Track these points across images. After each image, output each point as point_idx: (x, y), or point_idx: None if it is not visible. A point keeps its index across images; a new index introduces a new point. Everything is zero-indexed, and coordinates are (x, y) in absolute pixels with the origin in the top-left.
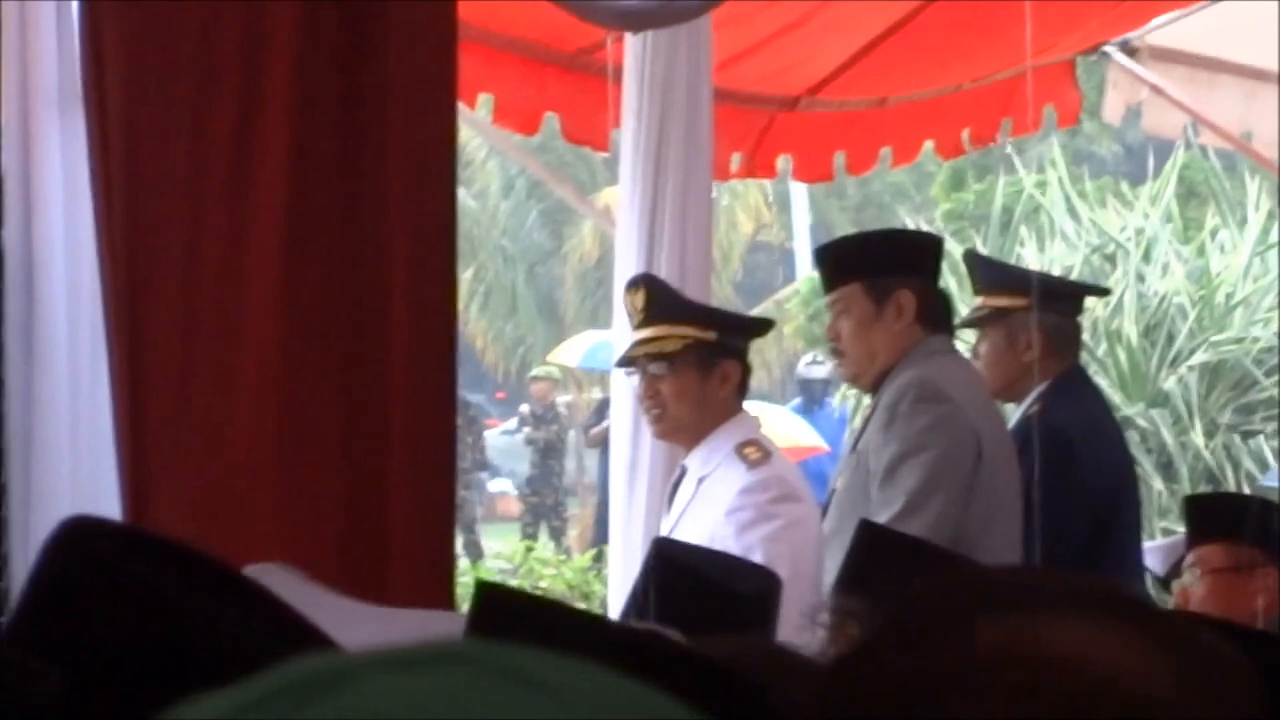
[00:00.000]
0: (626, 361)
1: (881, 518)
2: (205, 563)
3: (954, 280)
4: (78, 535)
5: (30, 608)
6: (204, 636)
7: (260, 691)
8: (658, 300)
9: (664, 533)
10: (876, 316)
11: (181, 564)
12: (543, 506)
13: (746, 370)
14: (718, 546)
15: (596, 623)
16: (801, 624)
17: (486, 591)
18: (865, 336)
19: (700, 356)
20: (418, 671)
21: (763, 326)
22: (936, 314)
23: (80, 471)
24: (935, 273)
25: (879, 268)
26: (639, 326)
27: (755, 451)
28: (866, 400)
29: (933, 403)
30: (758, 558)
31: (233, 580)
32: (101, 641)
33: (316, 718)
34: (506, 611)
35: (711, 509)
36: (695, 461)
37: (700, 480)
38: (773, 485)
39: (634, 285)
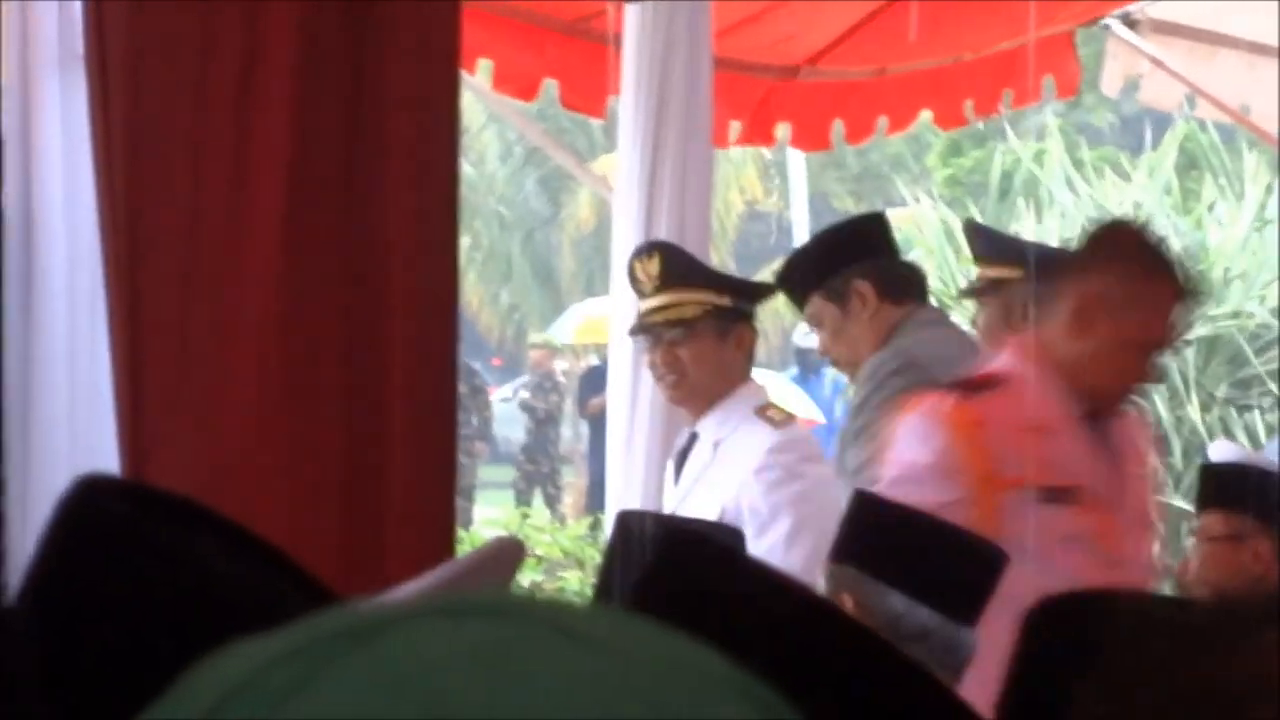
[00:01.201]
0: (641, 329)
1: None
2: (218, 521)
3: (951, 251)
4: (90, 494)
5: (42, 568)
6: (221, 593)
7: (304, 638)
8: (673, 266)
9: (674, 500)
10: (845, 315)
11: (194, 522)
12: (538, 474)
13: (755, 335)
14: (743, 506)
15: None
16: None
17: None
18: (843, 337)
19: (717, 322)
20: (460, 621)
21: (770, 290)
22: (903, 287)
23: (78, 432)
24: (888, 249)
25: (827, 270)
26: (652, 293)
27: (778, 413)
28: None
29: (901, 375)
30: (786, 517)
31: (246, 537)
32: (116, 600)
33: (360, 664)
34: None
35: (732, 470)
36: (709, 426)
37: (717, 444)
38: (799, 445)
39: (647, 252)
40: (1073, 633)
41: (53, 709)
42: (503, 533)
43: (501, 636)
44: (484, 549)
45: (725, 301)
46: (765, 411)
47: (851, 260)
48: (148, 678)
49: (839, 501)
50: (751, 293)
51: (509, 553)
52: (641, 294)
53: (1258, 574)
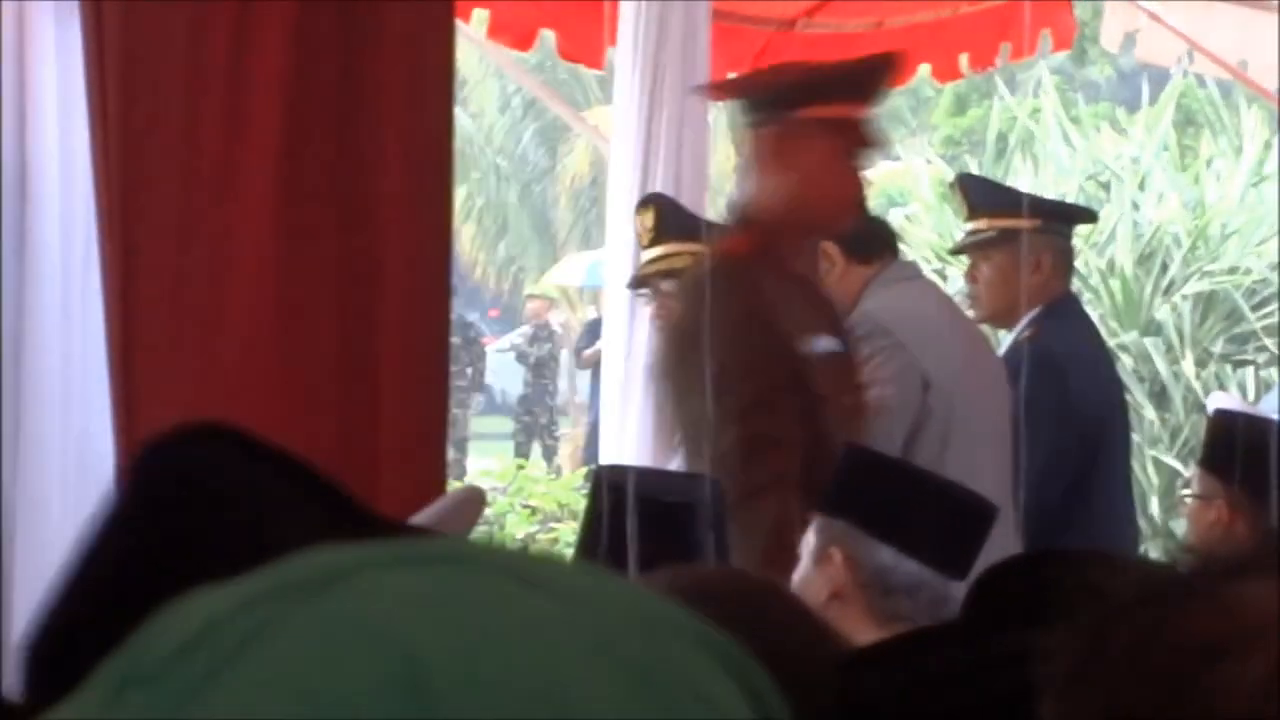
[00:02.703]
0: (639, 282)
1: None
2: (290, 461)
3: (948, 206)
4: (169, 439)
5: (119, 513)
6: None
7: (258, 587)
8: (667, 219)
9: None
10: (827, 273)
11: (266, 461)
12: (535, 425)
13: None
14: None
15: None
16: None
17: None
18: (832, 290)
19: None
20: (415, 569)
21: None
22: (869, 244)
23: (72, 377)
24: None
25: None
26: (648, 245)
27: None
28: None
29: (869, 340)
30: None
31: (318, 478)
32: (187, 543)
33: (315, 613)
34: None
35: None
36: None
37: None
38: None
39: (643, 205)
40: (1022, 593)
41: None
42: (496, 484)
43: (457, 584)
44: (444, 500)
45: None
46: None
47: None
48: None
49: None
50: None
51: (470, 504)
52: (641, 246)
53: (1221, 533)
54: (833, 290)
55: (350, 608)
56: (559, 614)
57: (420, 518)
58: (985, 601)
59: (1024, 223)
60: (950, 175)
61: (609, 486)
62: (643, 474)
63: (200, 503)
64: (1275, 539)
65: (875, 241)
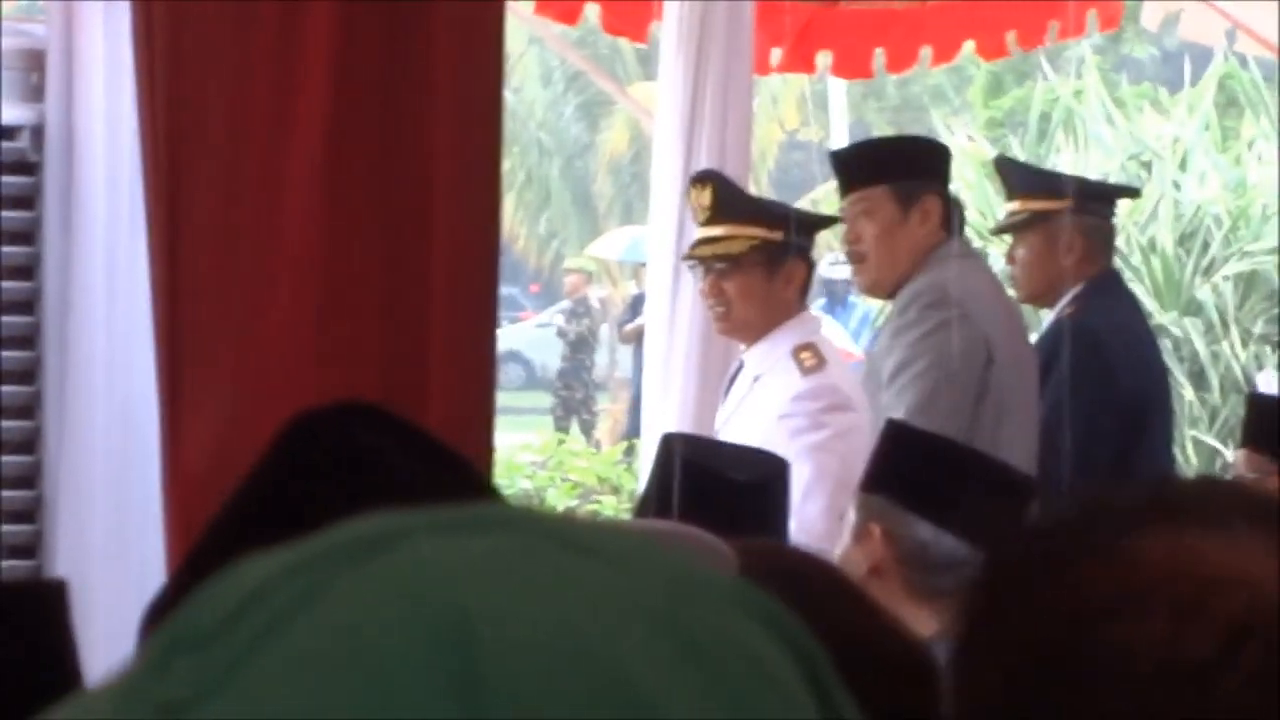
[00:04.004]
0: (690, 258)
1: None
2: (415, 431)
3: (990, 186)
4: (307, 415)
5: (257, 481)
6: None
7: (312, 552)
8: (724, 198)
9: (719, 424)
10: (902, 222)
11: (395, 431)
12: (573, 400)
13: (810, 267)
14: (770, 448)
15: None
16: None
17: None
18: (890, 242)
19: (766, 256)
20: (466, 534)
21: (826, 222)
22: (955, 220)
23: (115, 349)
24: (948, 180)
25: (905, 172)
26: (704, 223)
27: (811, 357)
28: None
29: (938, 309)
30: (806, 465)
31: (439, 448)
32: (325, 505)
33: (366, 577)
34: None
35: (764, 410)
36: (754, 358)
37: (756, 378)
38: (825, 394)
39: (700, 181)
40: None
41: None
42: (536, 458)
43: (505, 548)
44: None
45: (775, 236)
46: (800, 353)
47: (932, 174)
48: None
49: (860, 452)
50: (807, 226)
51: None
52: (698, 223)
53: None
54: (907, 243)
55: (396, 572)
56: (607, 577)
57: None
58: None
59: (1054, 204)
60: (991, 154)
61: (676, 456)
62: (714, 447)
63: (342, 473)
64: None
65: (960, 219)
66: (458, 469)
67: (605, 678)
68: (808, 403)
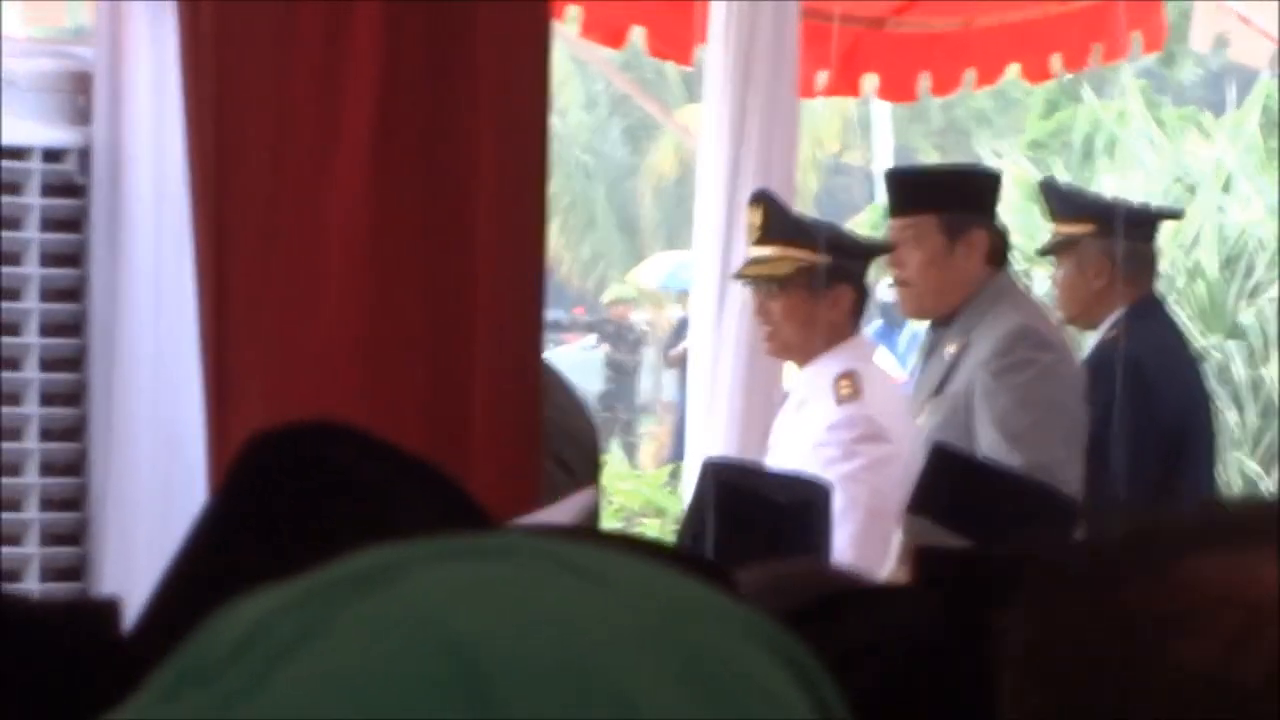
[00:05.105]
0: (740, 277)
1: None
2: (400, 454)
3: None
4: (276, 434)
5: (231, 496)
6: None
7: (309, 586)
8: (773, 219)
9: (771, 446)
10: (948, 253)
11: (376, 454)
12: (615, 423)
13: (862, 293)
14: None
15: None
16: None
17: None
18: (935, 272)
19: (812, 279)
20: (468, 562)
21: (878, 249)
22: (1001, 253)
23: (162, 371)
24: (996, 211)
25: (955, 203)
26: (755, 243)
27: (848, 386)
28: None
29: (1042, 350)
30: (837, 494)
31: (427, 471)
32: (301, 527)
33: (371, 607)
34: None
35: (805, 436)
36: (800, 382)
37: (801, 403)
38: (859, 424)
39: (753, 201)
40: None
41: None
42: None
43: (505, 574)
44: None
45: (822, 259)
46: (839, 381)
47: (981, 207)
48: None
49: (894, 481)
50: (856, 252)
51: (588, 505)
52: (749, 243)
53: None
54: (953, 276)
55: (398, 602)
56: (609, 602)
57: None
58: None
59: (1095, 228)
60: (1035, 176)
61: (717, 481)
62: (754, 471)
63: (310, 492)
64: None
65: (1001, 251)
66: (435, 484)
67: (607, 702)
68: (841, 432)
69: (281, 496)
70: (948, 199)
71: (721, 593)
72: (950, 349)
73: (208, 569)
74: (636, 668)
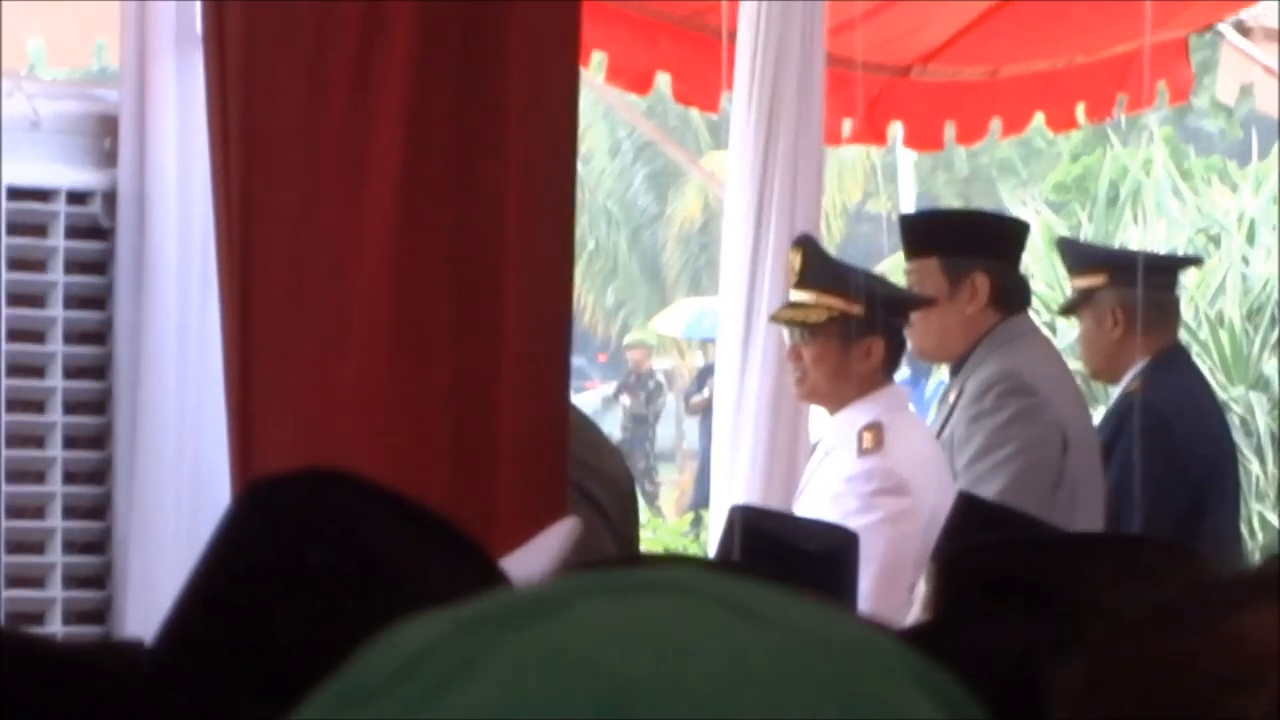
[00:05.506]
0: (776, 320)
1: None
2: (405, 504)
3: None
4: (278, 480)
5: (229, 546)
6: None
7: (474, 613)
8: (812, 264)
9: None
10: (950, 296)
11: (380, 505)
12: (635, 471)
13: (897, 345)
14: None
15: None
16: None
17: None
18: (936, 315)
19: (844, 328)
20: (630, 598)
21: (914, 302)
22: (1013, 297)
23: (186, 415)
24: (1016, 257)
25: (956, 247)
26: (794, 287)
27: (871, 438)
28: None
29: (1017, 396)
30: None
31: (428, 517)
32: (302, 577)
33: (528, 641)
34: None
35: (826, 487)
36: (829, 430)
37: (828, 452)
38: (877, 476)
39: (795, 245)
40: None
41: (238, 680)
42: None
43: (667, 613)
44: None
45: (855, 309)
46: (863, 433)
47: (987, 251)
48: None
49: (912, 535)
50: (891, 304)
51: (569, 535)
52: (789, 286)
53: None
54: (957, 323)
55: (562, 636)
56: (770, 644)
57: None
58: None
59: (1097, 280)
60: (1058, 225)
61: (745, 528)
62: (783, 518)
63: (306, 536)
64: (1269, 563)
65: (1016, 296)
66: (435, 529)
67: None
68: (860, 484)
69: (279, 540)
70: (949, 242)
71: (877, 631)
72: (953, 395)
73: (206, 614)
74: (795, 713)
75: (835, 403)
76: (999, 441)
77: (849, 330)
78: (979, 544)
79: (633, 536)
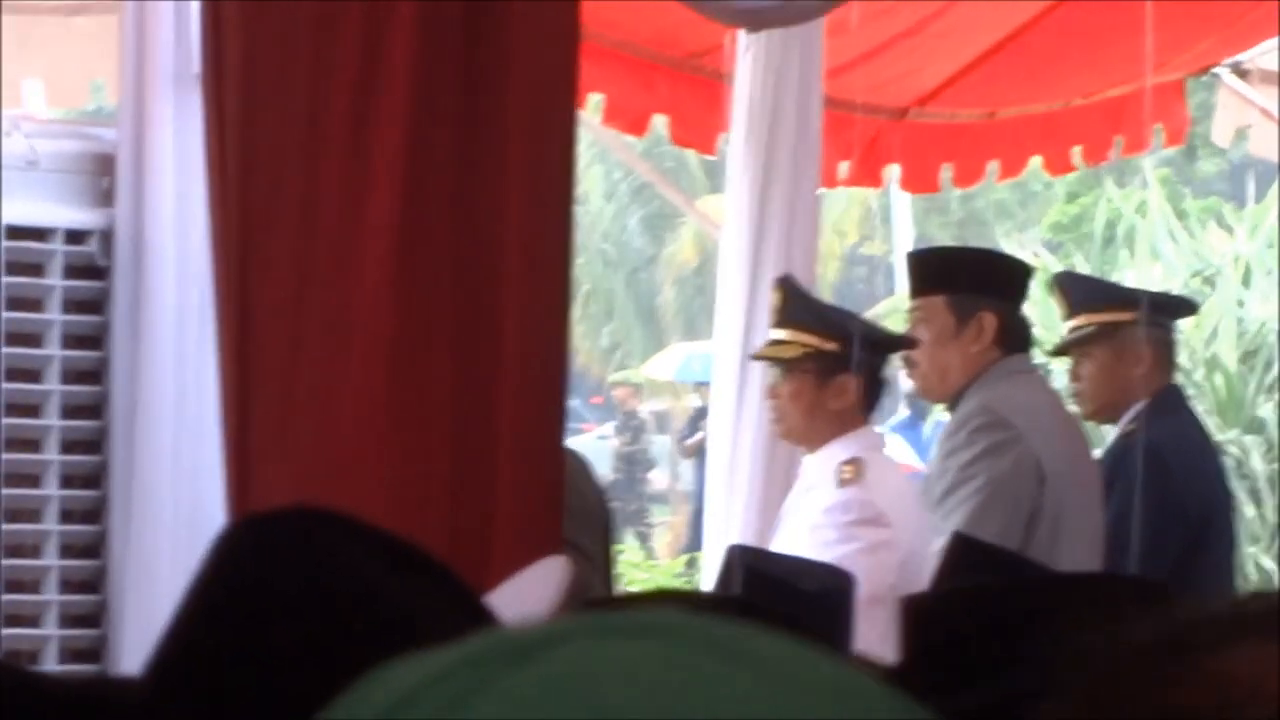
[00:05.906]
0: (756, 358)
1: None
2: (391, 541)
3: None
4: (265, 517)
5: (215, 583)
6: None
7: (467, 655)
8: (789, 303)
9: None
10: (955, 334)
11: (366, 541)
12: (626, 512)
13: (874, 384)
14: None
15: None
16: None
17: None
18: (941, 352)
19: (819, 366)
20: (622, 639)
21: (892, 343)
22: (1017, 338)
23: (183, 452)
24: (1020, 298)
25: (966, 285)
26: (773, 326)
27: (850, 471)
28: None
29: (990, 431)
30: None
31: (415, 555)
32: (290, 615)
33: (521, 681)
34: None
35: (804, 522)
36: (808, 468)
37: (808, 489)
38: (855, 507)
39: (774, 285)
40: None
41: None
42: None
43: (659, 655)
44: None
45: (831, 347)
46: (842, 467)
47: (995, 290)
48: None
49: (891, 566)
50: (868, 343)
51: (557, 573)
52: (769, 325)
53: None
54: (960, 360)
55: (554, 677)
56: (761, 691)
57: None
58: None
59: (1124, 316)
60: (1054, 267)
61: (742, 568)
62: (780, 558)
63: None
64: (1252, 601)
65: (1019, 337)
66: (421, 566)
67: None
68: (838, 515)
69: (263, 578)
70: (957, 280)
71: (863, 672)
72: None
73: (188, 650)
74: None
75: (812, 441)
76: (967, 476)
77: (824, 367)
78: (943, 591)
79: (608, 560)
